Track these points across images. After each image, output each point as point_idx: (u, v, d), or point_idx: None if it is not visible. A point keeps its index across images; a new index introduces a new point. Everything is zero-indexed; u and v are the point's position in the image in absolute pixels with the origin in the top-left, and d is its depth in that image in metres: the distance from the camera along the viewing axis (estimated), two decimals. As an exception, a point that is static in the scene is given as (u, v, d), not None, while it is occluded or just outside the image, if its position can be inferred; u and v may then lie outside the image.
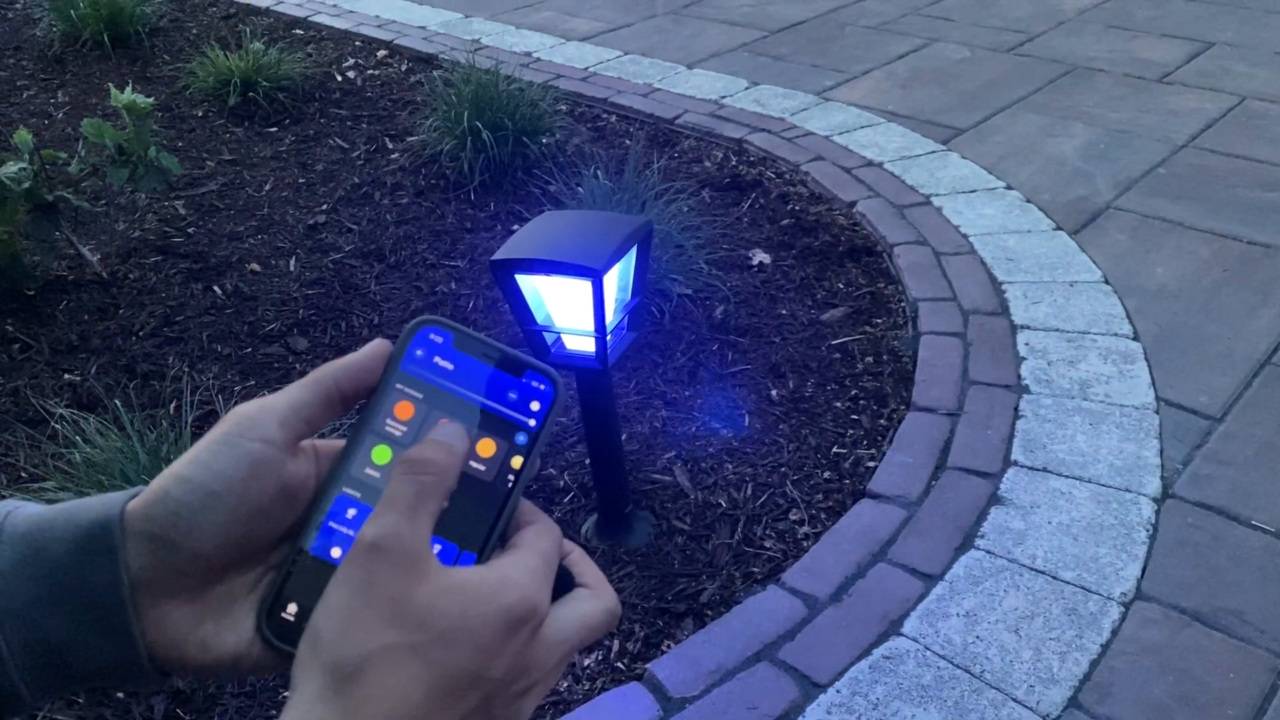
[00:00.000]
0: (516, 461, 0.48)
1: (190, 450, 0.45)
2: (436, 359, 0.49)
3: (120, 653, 0.44)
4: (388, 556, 0.41)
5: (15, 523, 0.44)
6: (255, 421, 0.45)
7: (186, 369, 2.61)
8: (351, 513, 0.47)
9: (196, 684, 1.80)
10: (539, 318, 1.82)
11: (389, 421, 0.48)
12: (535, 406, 0.49)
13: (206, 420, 2.35)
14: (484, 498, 0.47)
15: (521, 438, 0.49)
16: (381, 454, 0.47)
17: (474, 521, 0.47)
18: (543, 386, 0.49)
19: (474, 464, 0.48)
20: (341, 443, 0.49)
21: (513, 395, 0.49)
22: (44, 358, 2.69)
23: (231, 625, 0.46)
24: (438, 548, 0.46)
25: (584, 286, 1.71)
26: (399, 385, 0.48)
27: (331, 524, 0.47)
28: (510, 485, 0.48)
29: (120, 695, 1.79)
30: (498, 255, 1.73)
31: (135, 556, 0.44)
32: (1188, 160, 3.32)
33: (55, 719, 1.74)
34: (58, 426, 2.20)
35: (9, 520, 0.45)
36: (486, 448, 0.48)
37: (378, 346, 0.49)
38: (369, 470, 0.47)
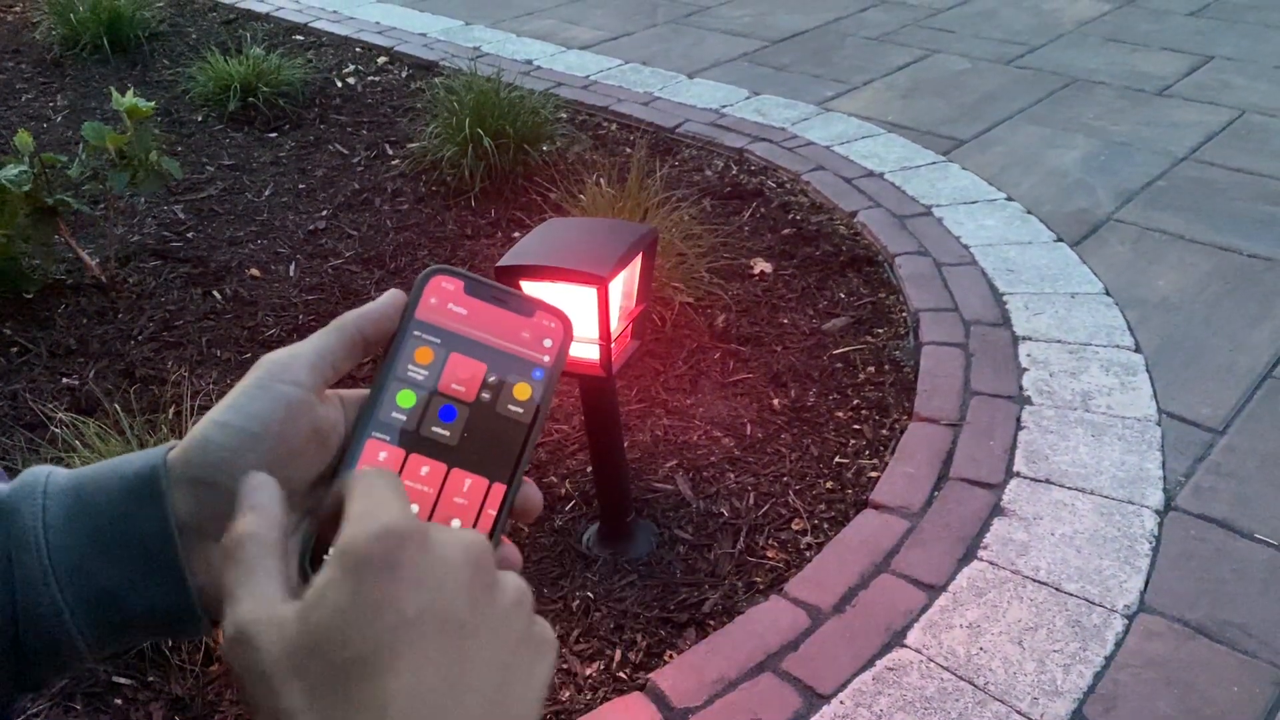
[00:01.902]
0: (535, 396, 0.51)
1: (225, 398, 0.47)
2: (450, 305, 0.51)
3: (173, 597, 0.45)
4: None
5: (58, 480, 0.46)
6: (286, 366, 0.47)
7: (186, 373, 2.60)
8: (382, 455, 0.49)
9: (195, 691, 1.79)
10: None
11: (410, 367, 0.50)
12: (548, 343, 0.52)
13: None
14: (508, 431, 0.50)
15: (538, 373, 0.51)
16: (406, 398, 0.50)
17: (501, 455, 0.50)
18: (553, 324, 0.52)
19: (495, 401, 0.50)
20: (364, 391, 0.51)
21: (526, 334, 0.51)
22: (42, 361, 2.68)
23: None
24: (469, 482, 0.49)
25: (589, 294, 1.70)
26: (416, 332, 0.50)
27: (365, 467, 0.48)
28: (531, 418, 0.51)
29: (118, 701, 1.78)
30: (503, 262, 1.72)
31: (180, 502, 0.45)
32: (1188, 173, 3.33)
33: (52, 726, 1.73)
34: (56, 430, 2.18)
35: (50, 479, 0.46)
36: (506, 385, 0.51)
37: (394, 295, 0.50)
38: (395, 414, 0.49)
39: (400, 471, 0.49)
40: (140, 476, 0.45)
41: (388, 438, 0.49)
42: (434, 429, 0.50)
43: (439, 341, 0.50)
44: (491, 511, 0.49)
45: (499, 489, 0.49)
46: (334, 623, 0.38)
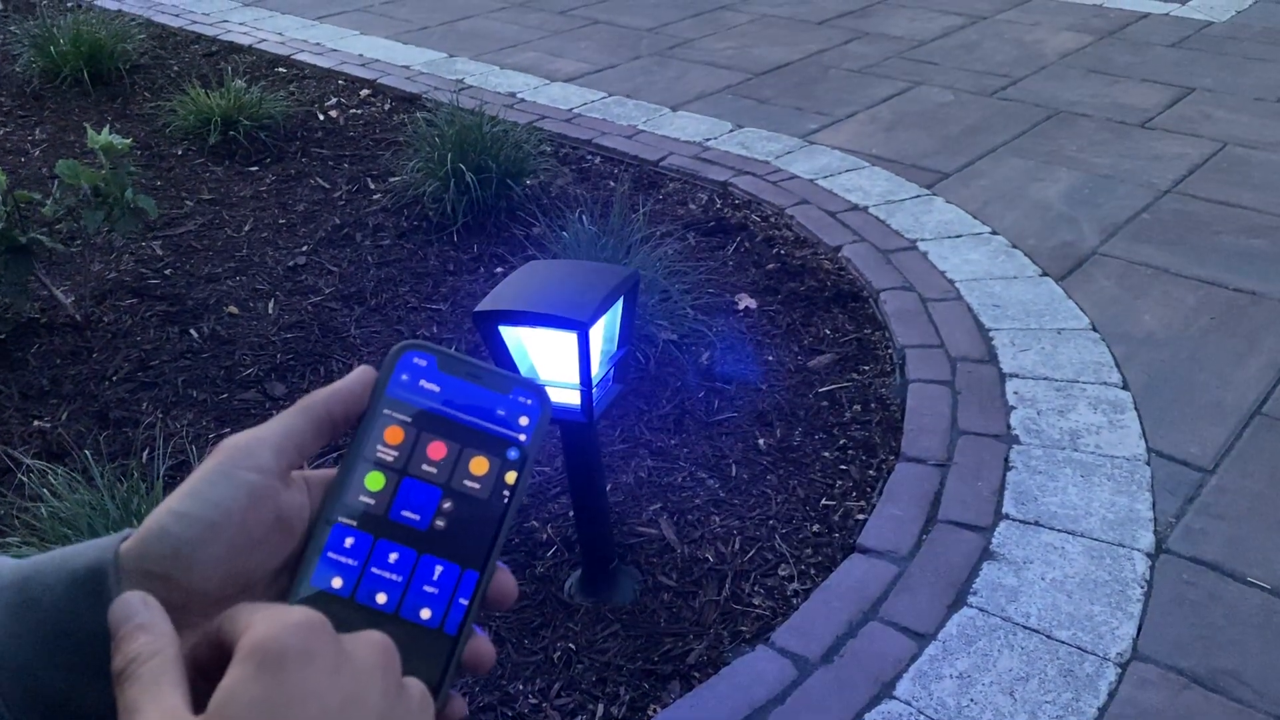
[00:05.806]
0: (510, 477, 0.49)
1: (184, 485, 0.44)
2: (422, 382, 0.49)
3: None
4: None
5: (2, 574, 0.44)
6: (249, 452, 0.45)
7: (160, 415, 2.55)
8: (349, 541, 0.47)
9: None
10: (523, 370, 1.77)
11: (380, 447, 0.48)
12: (524, 421, 0.50)
13: (179, 470, 2.28)
14: (481, 515, 0.48)
15: (513, 453, 0.49)
16: (374, 480, 0.48)
17: (474, 539, 0.47)
18: (530, 401, 0.50)
19: (468, 482, 0.48)
20: (331, 472, 0.48)
21: (501, 412, 0.49)
22: (13, 403, 2.62)
23: None
24: (440, 569, 0.47)
25: (569, 339, 1.67)
26: (386, 410, 0.48)
27: (330, 554, 0.46)
28: (506, 501, 0.48)
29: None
30: (481, 306, 1.69)
31: None
32: (1172, 206, 3.32)
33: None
34: (24, 479, 2.13)
35: None
36: (479, 465, 0.48)
37: (364, 373, 0.49)
38: (363, 498, 0.47)
39: (368, 559, 0.47)
40: (87, 572, 0.43)
41: (354, 522, 0.47)
42: (403, 513, 0.47)
43: (409, 420, 0.48)
44: (463, 601, 0.47)
45: (471, 576, 0.47)
46: (252, 719, 0.36)
